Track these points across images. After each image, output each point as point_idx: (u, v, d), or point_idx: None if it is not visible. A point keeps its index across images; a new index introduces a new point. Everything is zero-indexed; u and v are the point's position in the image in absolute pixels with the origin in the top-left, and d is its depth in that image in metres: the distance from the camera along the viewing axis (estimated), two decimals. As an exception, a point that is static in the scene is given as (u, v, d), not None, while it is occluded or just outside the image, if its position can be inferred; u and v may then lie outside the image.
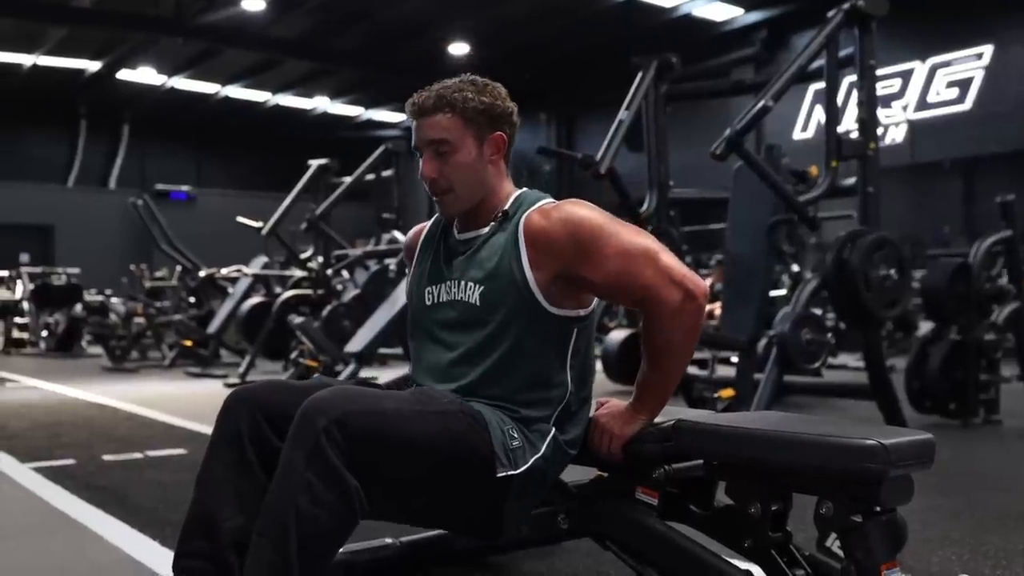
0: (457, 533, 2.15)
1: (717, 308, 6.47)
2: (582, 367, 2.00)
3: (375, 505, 1.77)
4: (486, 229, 2.00)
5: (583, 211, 1.93)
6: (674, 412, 2.10)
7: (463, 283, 1.98)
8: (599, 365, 7.40)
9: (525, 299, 1.91)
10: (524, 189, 2.07)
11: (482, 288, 1.94)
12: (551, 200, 2.01)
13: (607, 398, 2.11)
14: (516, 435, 1.89)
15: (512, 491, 1.87)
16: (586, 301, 1.99)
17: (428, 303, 2.04)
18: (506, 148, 2.02)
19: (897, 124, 15.34)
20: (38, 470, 4.15)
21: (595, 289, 1.95)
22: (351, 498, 1.68)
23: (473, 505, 1.89)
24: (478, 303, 1.94)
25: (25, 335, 14.68)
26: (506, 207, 2.00)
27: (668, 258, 1.89)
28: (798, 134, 16.15)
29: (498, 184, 2.02)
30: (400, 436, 1.75)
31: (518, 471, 1.86)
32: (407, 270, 2.23)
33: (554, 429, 1.95)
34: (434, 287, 2.04)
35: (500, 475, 1.84)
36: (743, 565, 1.87)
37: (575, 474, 2.18)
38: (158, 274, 15.80)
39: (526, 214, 1.95)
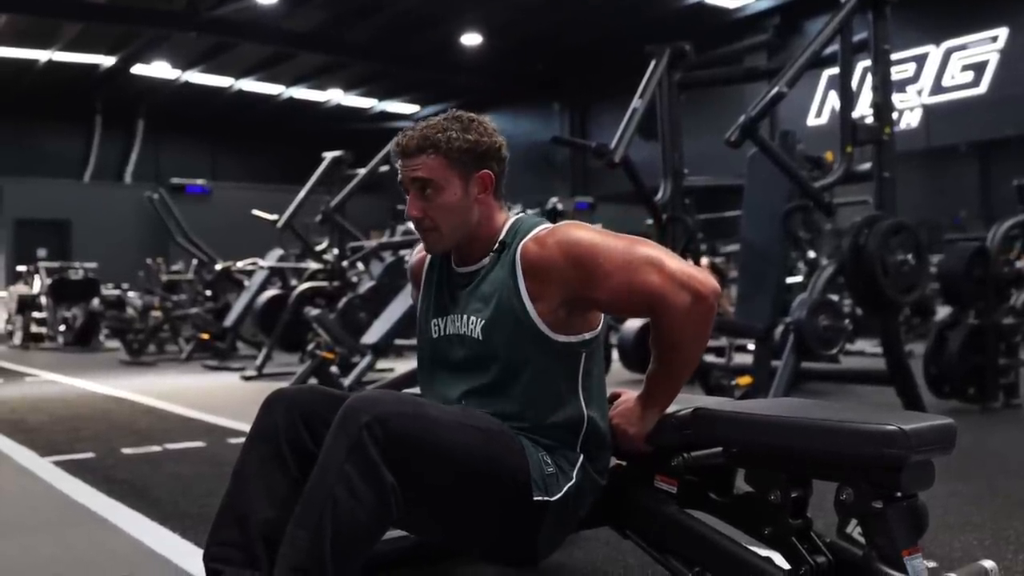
0: (488, 558, 2.13)
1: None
2: (597, 389, 2.00)
3: (412, 511, 1.77)
4: (486, 261, 1.99)
5: (578, 232, 1.91)
6: (692, 400, 2.09)
7: (466, 317, 1.97)
8: (615, 354, 7.40)
9: (527, 330, 1.90)
10: (519, 215, 2.05)
11: (483, 323, 1.94)
12: (546, 225, 1.99)
13: (621, 389, 2.10)
14: (550, 462, 1.90)
15: (547, 518, 1.88)
16: (594, 322, 1.96)
17: (435, 335, 2.05)
18: (495, 183, 1.99)
19: (912, 109, 15.24)
20: (58, 464, 4.18)
21: (603, 307, 1.94)
22: (387, 495, 1.69)
23: (507, 527, 1.89)
24: (480, 337, 1.94)
25: (43, 330, 14.78)
26: (502, 237, 1.99)
27: (672, 262, 1.86)
28: (812, 120, 16.06)
29: (488, 218, 2.00)
30: (440, 443, 1.75)
31: (553, 498, 1.87)
32: (413, 293, 2.23)
33: (582, 456, 1.95)
34: (440, 320, 2.04)
35: (536, 499, 1.85)
36: (763, 552, 1.87)
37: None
38: (174, 268, 15.87)
39: (522, 244, 1.93)
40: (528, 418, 1.91)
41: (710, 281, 1.86)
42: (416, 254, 2.21)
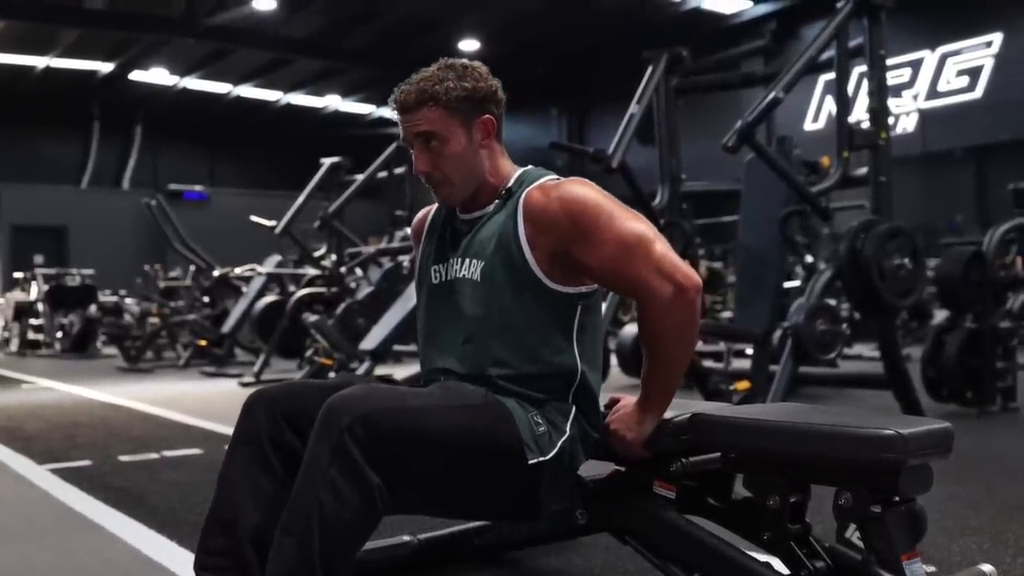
0: (494, 520, 2.17)
1: None
2: (591, 346, 2.00)
3: (405, 501, 1.78)
4: (490, 208, 2.00)
5: (583, 191, 1.91)
6: (690, 405, 2.09)
7: (466, 261, 1.98)
8: (614, 359, 7.40)
9: (524, 275, 1.91)
10: (528, 167, 2.06)
11: (483, 265, 1.95)
12: (554, 177, 2.00)
13: (619, 395, 2.10)
14: (540, 420, 1.89)
15: (544, 476, 1.88)
16: (589, 279, 1.97)
17: (435, 281, 2.05)
18: (496, 128, 2.00)
19: (908, 113, 15.28)
20: (55, 471, 4.16)
21: (589, 273, 1.93)
22: (373, 496, 1.69)
23: (508, 493, 1.91)
24: (479, 279, 1.95)
25: (40, 336, 14.76)
26: (509, 185, 2.00)
27: (661, 247, 1.87)
28: (809, 125, 16.09)
29: (495, 165, 2.01)
30: (425, 432, 1.75)
31: (548, 456, 1.87)
32: (413, 253, 2.23)
33: (574, 408, 1.96)
34: (440, 266, 2.05)
35: (531, 462, 1.85)
36: (762, 557, 1.87)
37: (592, 469, 2.18)
38: (172, 274, 15.85)
39: (527, 191, 1.95)
40: (523, 366, 1.92)
41: (694, 275, 1.87)
42: (419, 215, 2.21)
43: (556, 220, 1.89)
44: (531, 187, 1.95)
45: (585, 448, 1.98)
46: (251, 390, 2.17)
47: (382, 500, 1.70)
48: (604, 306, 4.65)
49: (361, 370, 6.96)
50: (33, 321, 14.92)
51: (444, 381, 1.96)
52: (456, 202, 2.02)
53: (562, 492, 2.00)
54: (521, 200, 1.94)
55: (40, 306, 14.80)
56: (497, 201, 1.99)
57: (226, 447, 1.94)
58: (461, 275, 1.98)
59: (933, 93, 15.09)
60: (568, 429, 1.92)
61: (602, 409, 2.05)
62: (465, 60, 2.00)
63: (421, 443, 1.75)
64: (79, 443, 5.00)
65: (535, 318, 1.92)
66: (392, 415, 1.73)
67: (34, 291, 15.21)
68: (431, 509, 1.95)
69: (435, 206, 2.15)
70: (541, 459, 1.86)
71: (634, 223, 1.90)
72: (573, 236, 1.88)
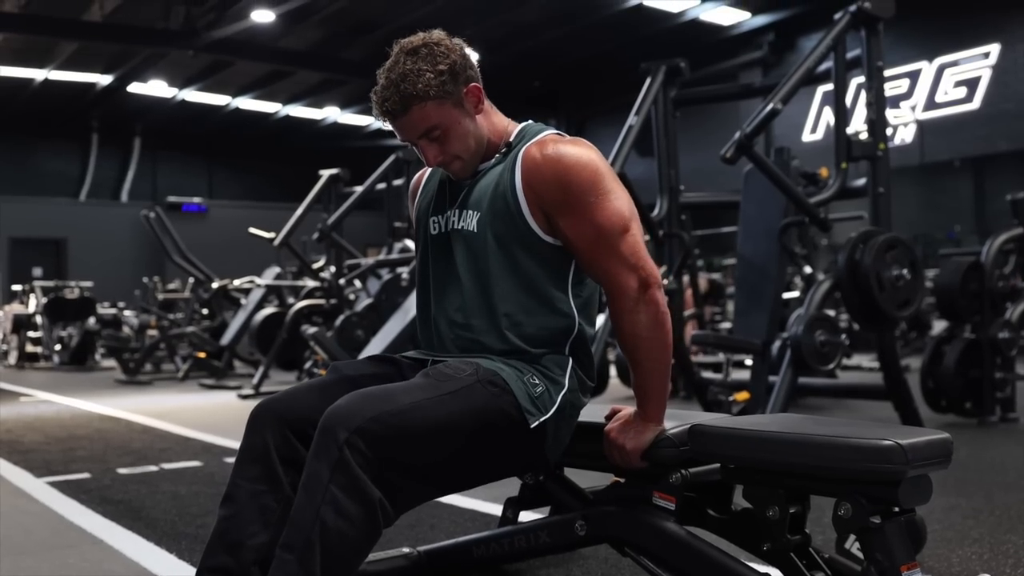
0: (505, 477, 2.19)
1: None
2: (588, 300, 2.01)
3: (418, 495, 1.81)
4: (491, 162, 2.02)
5: (577, 157, 1.92)
6: (689, 416, 2.09)
7: (464, 212, 2.00)
8: (613, 371, 7.40)
9: (519, 227, 1.93)
10: (528, 122, 2.08)
11: (479, 215, 1.96)
12: (554, 132, 2.02)
13: (618, 406, 2.10)
14: (537, 380, 1.91)
15: (548, 432, 1.91)
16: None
17: (434, 232, 2.07)
18: (482, 90, 2.00)
19: (906, 124, 15.31)
20: (53, 484, 4.16)
21: (567, 242, 1.94)
22: (375, 510, 1.69)
23: (515, 457, 1.95)
24: (475, 229, 1.96)
25: (38, 349, 14.74)
26: (510, 140, 2.02)
27: (632, 240, 1.90)
28: (807, 136, 16.12)
29: (492, 124, 2.03)
30: (424, 427, 1.76)
31: (549, 414, 1.89)
32: (410, 210, 2.24)
33: (571, 359, 1.97)
34: (439, 217, 2.07)
35: (534, 425, 1.87)
36: (762, 569, 1.86)
37: (591, 480, 2.18)
38: (171, 286, 15.86)
39: (526, 146, 1.97)
40: (520, 317, 1.93)
41: (655, 271, 1.90)
42: (418, 174, 2.23)
43: (546, 183, 1.91)
44: (530, 143, 1.97)
45: (584, 395, 2.02)
46: (250, 402, 2.17)
47: (384, 514, 1.70)
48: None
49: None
50: (32, 334, 14.91)
51: (432, 365, 1.94)
52: (469, 172, 2.03)
53: (566, 439, 2.00)
54: (520, 155, 1.96)
55: (39, 318, 14.79)
56: (498, 155, 2.02)
57: (225, 459, 1.94)
58: (460, 227, 2.00)
59: (931, 104, 15.13)
60: (567, 382, 1.95)
61: (602, 419, 2.06)
62: (423, 36, 1.96)
63: (421, 439, 1.76)
64: (78, 456, 4.99)
65: (531, 270, 1.94)
66: (388, 419, 1.72)
67: (32, 303, 15.21)
68: (444, 492, 1.96)
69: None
70: (544, 418, 1.88)
71: (616, 205, 1.91)
72: (558, 203, 1.91)
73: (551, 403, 1.90)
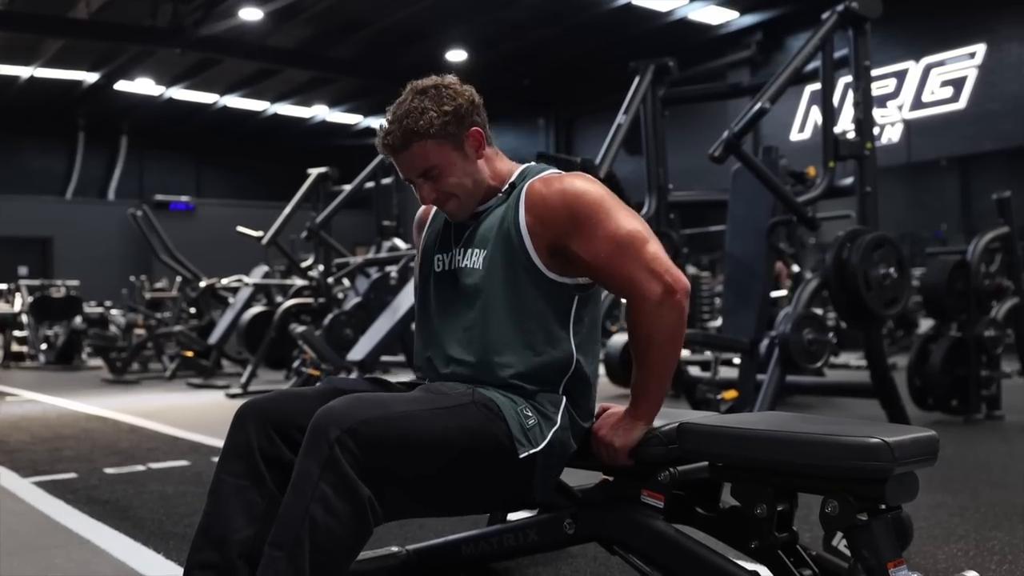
0: (489, 512, 2.20)
1: None
2: (588, 338, 2.01)
3: (401, 506, 1.80)
4: (493, 202, 2.04)
5: (584, 185, 1.95)
6: (678, 414, 2.10)
7: (468, 251, 2.01)
8: (602, 369, 7.40)
9: (523, 264, 1.94)
10: (531, 163, 2.11)
11: (485, 254, 1.98)
12: (556, 172, 2.04)
13: (608, 404, 2.11)
14: (530, 413, 1.91)
15: (537, 467, 1.90)
16: (584, 273, 1.99)
17: (437, 269, 2.08)
18: (485, 135, 2.03)
19: (893, 123, 15.37)
20: (39, 484, 4.13)
21: (584, 266, 1.95)
22: (364, 508, 1.69)
23: (502, 487, 1.93)
24: (481, 268, 1.98)
25: (24, 348, 14.65)
26: (512, 180, 2.04)
27: (654, 248, 1.90)
28: (795, 135, 16.17)
29: (493, 169, 2.05)
30: (415, 438, 1.76)
31: (539, 448, 1.89)
32: (414, 243, 2.25)
33: (565, 398, 1.97)
34: (443, 255, 2.08)
35: (523, 456, 1.87)
36: (750, 566, 1.87)
37: (580, 478, 2.19)
38: (158, 285, 15.79)
39: (529, 183, 1.99)
40: (519, 354, 1.94)
41: (683, 278, 1.90)
42: (423, 208, 2.23)
43: (554, 211, 1.92)
44: (534, 179, 1.99)
45: (576, 437, 2.00)
46: (238, 401, 2.17)
47: (373, 513, 1.70)
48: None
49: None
50: (17, 333, 14.82)
51: (429, 383, 1.96)
52: (465, 215, 2.05)
53: (554, 480, 2.01)
54: (523, 191, 1.97)
55: (24, 318, 14.70)
56: (500, 195, 2.03)
57: (213, 459, 1.94)
58: (464, 265, 2.01)
59: (918, 104, 15.19)
60: (559, 419, 1.94)
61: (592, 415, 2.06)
62: (436, 79, 2.01)
63: (411, 449, 1.75)
64: (64, 456, 4.97)
65: (533, 307, 1.95)
66: (380, 424, 1.73)
67: (18, 303, 15.12)
68: (428, 511, 1.97)
69: None
70: (533, 451, 1.88)
71: (630, 221, 1.92)
72: (570, 228, 1.91)
73: (542, 438, 1.90)
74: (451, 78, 2.03)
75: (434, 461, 1.79)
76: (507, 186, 2.03)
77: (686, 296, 1.90)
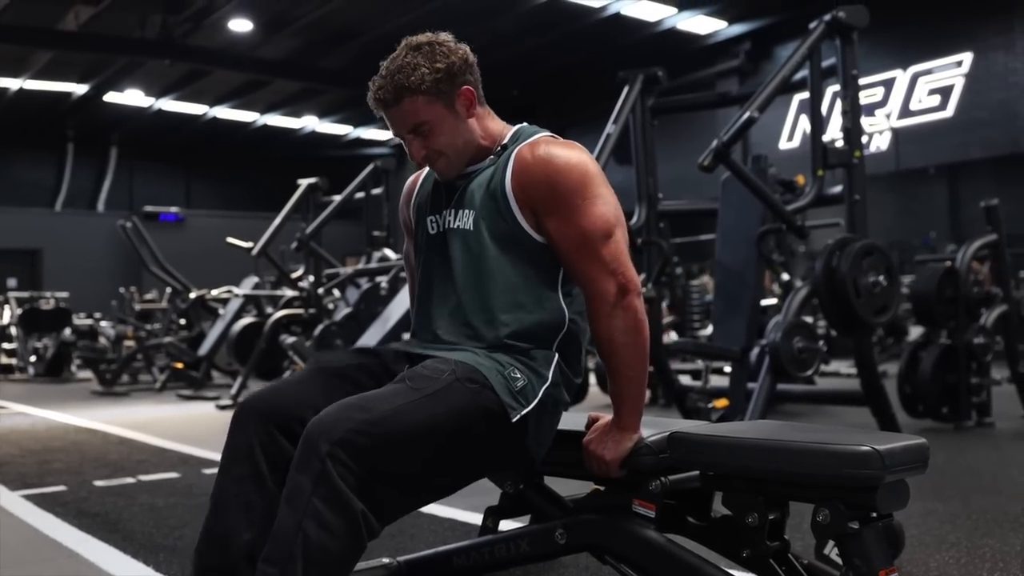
0: (491, 477, 2.19)
1: None
2: (579, 298, 2.02)
3: (404, 504, 1.81)
4: (484, 163, 2.04)
5: (570, 158, 1.94)
6: (668, 423, 2.10)
7: (459, 211, 2.01)
8: (592, 378, 7.40)
9: (510, 225, 1.95)
10: (523, 124, 2.10)
11: (474, 214, 1.98)
12: (548, 134, 2.04)
13: (597, 413, 2.10)
14: (519, 374, 1.90)
15: (531, 424, 1.90)
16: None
17: (431, 231, 2.07)
18: (477, 94, 2.03)
19: (881, 132, 15.44)
20: (28, 497, 4.11)
21: (552, 245, 1.96)
22: (358, 523, 1.67)
23: (498, 453, 1.93)
24: (471, 227, 1.98)
25: (13, 361, 14.58)
26: (504, 141, 2.04)
27: (615, 246, 1.91)
28: (784, 144, 16.23)
29: (484, 128, 2.05)
30: (405, 432, 1.75)
31: (531, 406, 1.89)
32: (403, 214, 2.24)
33: (557, 355, 1.97)
34: (435, 216, 2.08)
35: (516, 419, 1.86)
36: (742, 575, 1.87)
37: (571, 488, 2.18)
38: (148, 296, 15.73)
39: (520, 147, 1.99)
40: (511, 314, 1.94)
41: (636, 278, 1.92)
42: (413, 176, 2.23)
43: (536, 183, 1.93)
44: (524, 143, 1.99)
45: (569, 392, 2.01)
46: (228, 413, 2.15)
47: (367, 527, 1.69)
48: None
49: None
50: (6, 345, 14.75)
51: (407, 371, 1.93)
52: (454, 174, 2.04)
53: (550, 435, 2.00)
54: (513, 155, 1.98)
55: (13, 330, 14.63)
56: (492, 156, 2.04)
57: (203, 471, 1.93)
58: (455, 225, 2.01)
59: (905, 112, 15.27)
60: (550, 376, 1.94)
61: (582, 427, 2.06)
62: (430, 36, 2.01)
63: (404, 444, 1.75)
64: (53, 468, 4.94)
65: (523, 268, 1.96)
66: (369, 429, 1.71)
67: (7, 315, 15.05)
68: (431, 497, 1.95)
69: (427, 169, 2.17)
70: (525, 411, 1.88)
71: (603, 210, 1.93)
72: (547, 205, 1.93)
73: (533, 395, 1.90)
74: (445, 35, 2.03)
75: (428, 449, 1.79)
76: (499, 147, 2.03)
77: (638, 296, 1.92)
